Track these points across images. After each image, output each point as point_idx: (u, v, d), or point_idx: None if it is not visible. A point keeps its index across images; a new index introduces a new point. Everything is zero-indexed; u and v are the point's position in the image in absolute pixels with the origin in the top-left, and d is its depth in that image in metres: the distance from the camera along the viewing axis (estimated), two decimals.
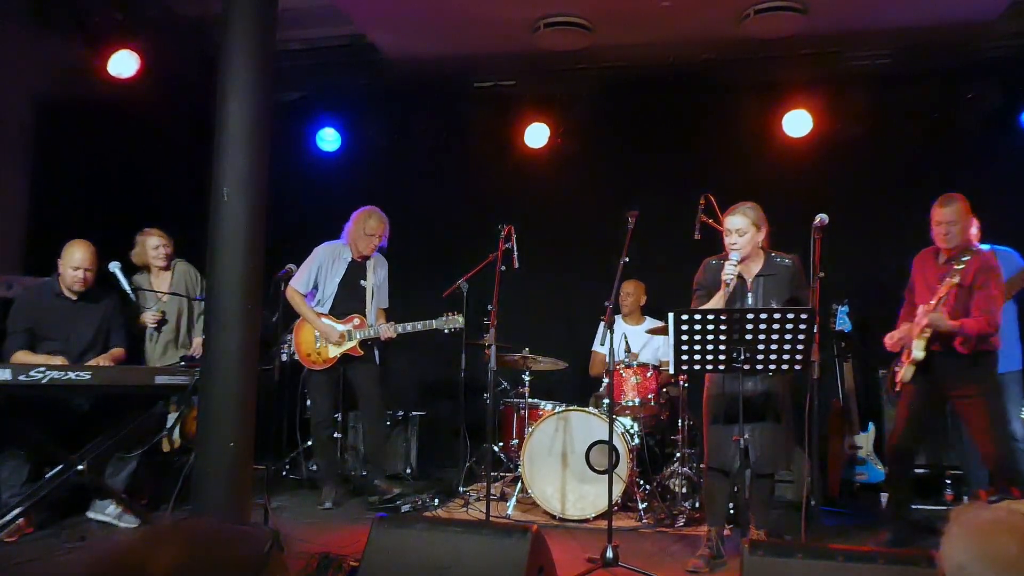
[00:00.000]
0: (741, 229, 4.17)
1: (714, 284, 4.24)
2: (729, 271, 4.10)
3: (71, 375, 4.12)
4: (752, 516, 4.20)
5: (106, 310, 4.91)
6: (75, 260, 4.72)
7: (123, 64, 5.84)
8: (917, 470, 5.41)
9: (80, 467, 4.27)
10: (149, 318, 5.22)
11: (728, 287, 4.09)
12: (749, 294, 4.22)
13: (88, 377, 4.19)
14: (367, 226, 5.46)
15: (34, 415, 4.33)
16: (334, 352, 5.42)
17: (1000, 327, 4.35)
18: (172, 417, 4.71)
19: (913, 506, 4.85)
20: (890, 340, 4.59)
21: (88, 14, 5.79)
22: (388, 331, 5.40)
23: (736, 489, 4.71)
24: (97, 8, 5.80)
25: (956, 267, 4.20)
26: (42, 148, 6.06)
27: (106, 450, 4.43)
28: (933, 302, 4.22)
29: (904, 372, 4.43)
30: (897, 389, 4.56)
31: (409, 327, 5.40)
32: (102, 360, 4.71)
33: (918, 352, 4.31)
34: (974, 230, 4.90)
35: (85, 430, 4.44)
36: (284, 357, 5.53)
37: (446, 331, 5.38)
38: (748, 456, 4.05)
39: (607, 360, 4.38)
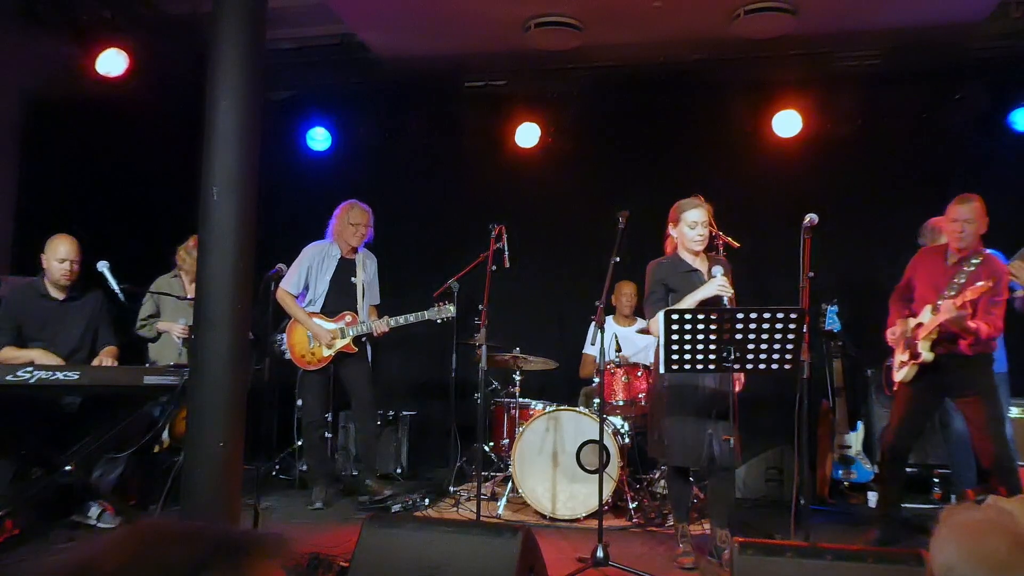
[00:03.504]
0: (705, 221, 4.27)
1: (667, 280, 4.30)
2: (723, 287, 4.11)
3: (59, 375, 4.10)
4: (713, 514, 4.26)
5: (93, 309, 4.89)
6: (60, 252, 4.72)
7: (111, 63, 5.82)
8: (908, 469, 5.43)
9: (68, 467, 4.25)
10: (177, 330, 5.24)
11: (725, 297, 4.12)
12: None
13: (77, 377, 4.17)
14: (351, 216, 5.47)
15: (22, 415, 4.30)
16: (328, 351, 5.41)
17: (1002, 330, 4.37)
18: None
19: (902, 505, 4.87)
20: (892, 336, 4.59)
21: (77, 12, 5.76)
22: (381, 326, 5.41)
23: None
24: (86, 6, 5.76)
25: (966, 268, 4.20)
26: (30, 147, 6.02)
27: (95, 450, 4.41)
28: (959, 300, 4.15)
29: (906, 372, 4.42)
30: (894, 388, 4.57)
31: (402, 320, 5.41)
32: (104, 360, 4.69)
33: (927, 354, 4.30)
34: None
35: (74, 430, 4.42)
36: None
37: (439, 321, 5.39)
38: (715, 453, 4.09)
39: (597, 360, 4.38)
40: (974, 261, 4.23)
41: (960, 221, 4.33)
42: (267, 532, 1.11)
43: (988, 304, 4.24)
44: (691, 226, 4.27)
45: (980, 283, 4.08)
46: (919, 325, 4.39)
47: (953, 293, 4.21)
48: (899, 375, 4.49)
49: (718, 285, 4.10)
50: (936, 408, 4.81)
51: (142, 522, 1.04)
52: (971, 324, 4.18)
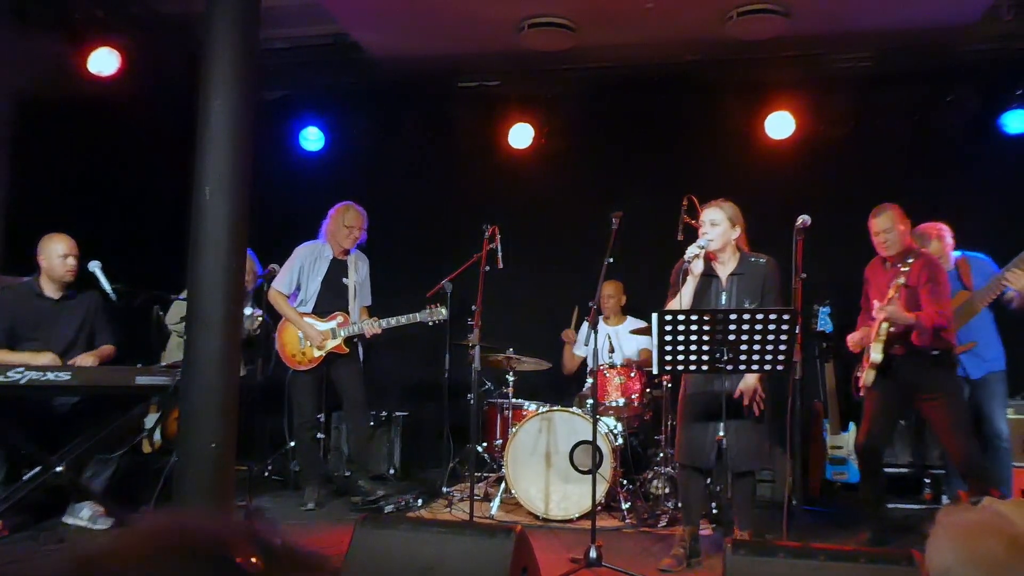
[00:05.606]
0: (715, 220, 4.23)
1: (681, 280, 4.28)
2: (691, 251, 4.13)
3: (50, 375, 4.08)
4: (735, 517, 4.23)
5: (88, 309, 4.88)
6: (61, 249, 4.72)
7: (104, 62, 5.79)
8: (899, 469, 5.46)
9: (59, 468, 4.23)
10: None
11: (688, 263, 4.13)
12: (723, 293, 4.26)
13: (68, 377, 4.15)
14: (346, 219, 5.46)
15: (13, 415, 4.28)
16: (319, 351, 5.40)
17: (952, 320, 4.48)
18: (153, 418, 4.67)
19: (892, 505, 4.90)
20: (851, 341, 4.68)
21: (69, 11, 5.73)
22: (372, 327, 5.41)
23: (719, 488, 4.74)
24: (78, 5, 5.74)
25: (903, 269, 4.30)
26: (22, 146, 5.98)
27: (86, 451, 4.39)
28: (883, 301, 4.32)
29: (865, 376, 4.52)
30: (861, 394, 4.64)
31: (393, 321, 5.40)
32: (88, 358, 4.66)
33: (876, 355, 4.40)
34: (949, 238, 4.99)
35: (65, 431, 4.40)
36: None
37: (430, 323, 5.39)
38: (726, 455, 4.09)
39: (590, 360, 4.39)
40: (909, 260, 4.36)
41: (881, 232, 4.52)
42: (309, 553, 1.08)
43: (928, 295, 4.37)
44: (701, 225, 4.28)
45: (894, 283, 4.27)
46: (874, 325, 4.48)
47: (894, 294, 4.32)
48: (862, 380, 4.59)
49: (695, 248, 4.14)
50: (905, 408, 4.87)
51: (158, 523, 1.01)
52: (908, 315, 4.30)
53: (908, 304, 4.38)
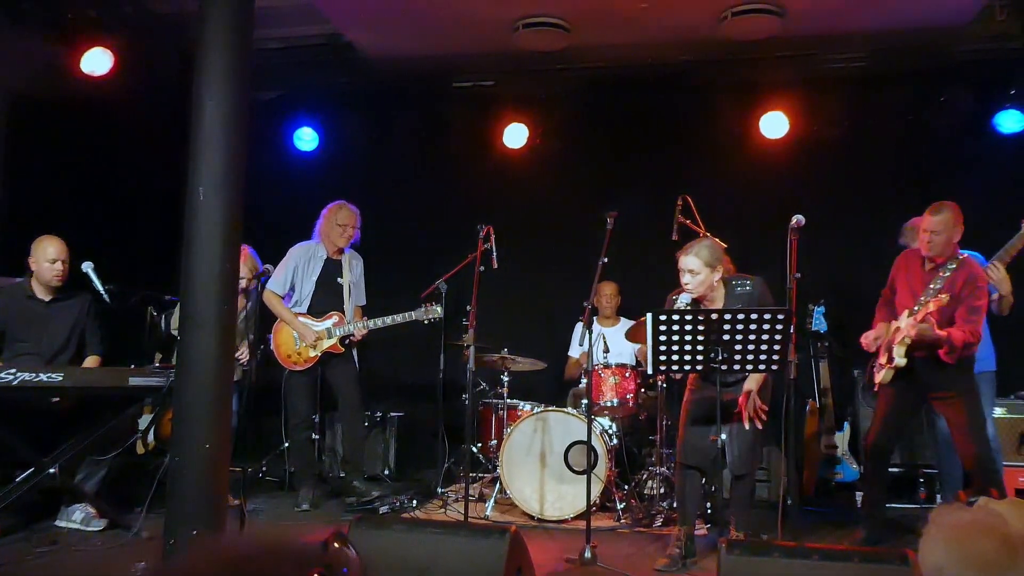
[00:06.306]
0: (694, 270, 4.15)
1: None
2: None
3: (42, 376, 4.07)
4: (733, 517, 4.23)
5: (80, 312, 4.87)
6: (50, 253, 4.70)
7: (96, 62, 5.77)
8: (892, 469, 5.46)
9: (52, 470, 4.21)
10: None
11: None
12: None
13: (60, 379, 4.14)
14: (339, 217, 5.45)
15: (4, 417, 4.26)
16: (314, 351, 5.39)
17: (980, 337, 4.35)
18: (147, 419, 4.65)
19: (887, 505, 4.89)
20: (866, 340, 4.61)
21: (62, 10, 5.71)
22: (359, 329, 5.41)
23: (714, 489, 4.74)
24: (71, 5, 5.72)
25: (943, 274, 4.21)
26: (15, 146, 5.97)
27: (79, 453, 4.37)
28: (920, 314, 4.20)
29: (884, 375, 4.45)
30: (875, 390, 4.60)
31: (389, 320, 5.39)
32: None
33: (900, 359, 4.30)
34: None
35: (58, 432, 4.38)
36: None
37: (426, 321, 5.38)
38: (725, 457, 4.09)
39: (584, 361, 4.38)
40: (950, 266, 4.25)
41: (929, 232, 4.34)
42: None
43: (967, 312, 4.24)
44: (680, 271, 4.21)
45: (942, 296, 4.12)
46: (897, 329, 4.41)
47: (929, 299, 4.21)
48: (878, 377, 4.53)
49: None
50: (918, 408, 4.84)
51: (231, 545, 0.98)
52: (940, 333, 4.18)
53: (945, 311, 4.23)
